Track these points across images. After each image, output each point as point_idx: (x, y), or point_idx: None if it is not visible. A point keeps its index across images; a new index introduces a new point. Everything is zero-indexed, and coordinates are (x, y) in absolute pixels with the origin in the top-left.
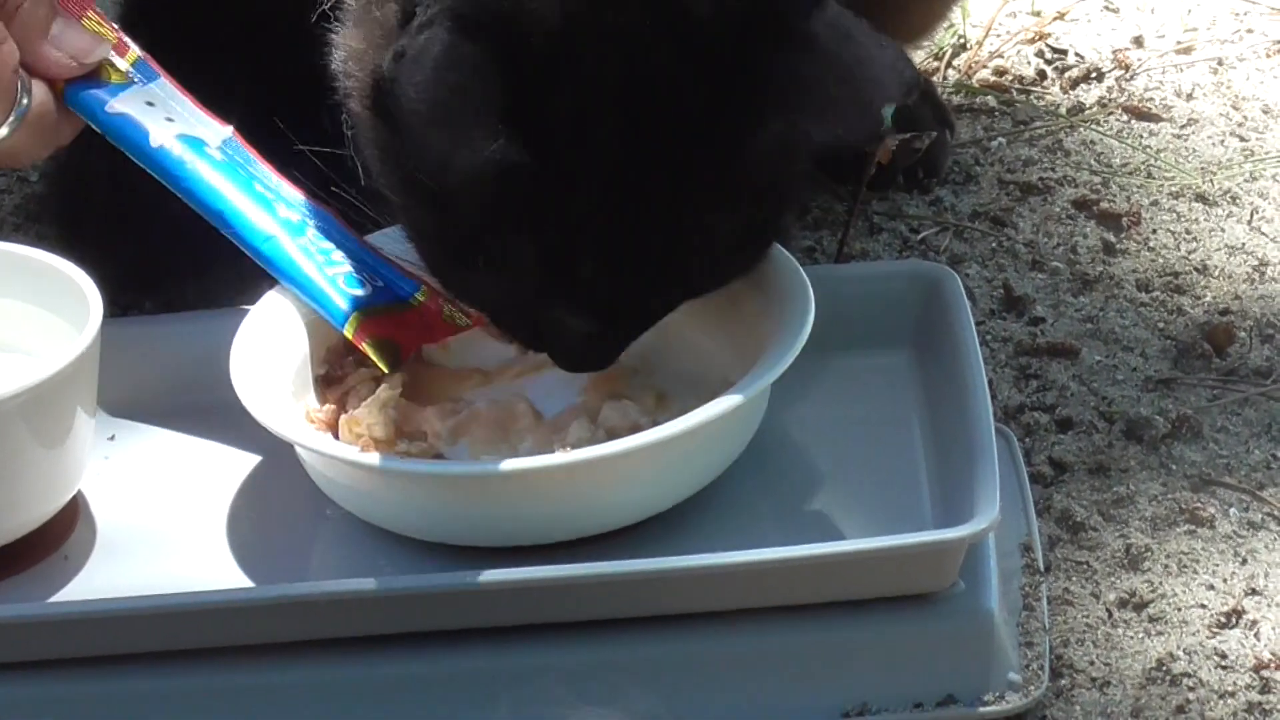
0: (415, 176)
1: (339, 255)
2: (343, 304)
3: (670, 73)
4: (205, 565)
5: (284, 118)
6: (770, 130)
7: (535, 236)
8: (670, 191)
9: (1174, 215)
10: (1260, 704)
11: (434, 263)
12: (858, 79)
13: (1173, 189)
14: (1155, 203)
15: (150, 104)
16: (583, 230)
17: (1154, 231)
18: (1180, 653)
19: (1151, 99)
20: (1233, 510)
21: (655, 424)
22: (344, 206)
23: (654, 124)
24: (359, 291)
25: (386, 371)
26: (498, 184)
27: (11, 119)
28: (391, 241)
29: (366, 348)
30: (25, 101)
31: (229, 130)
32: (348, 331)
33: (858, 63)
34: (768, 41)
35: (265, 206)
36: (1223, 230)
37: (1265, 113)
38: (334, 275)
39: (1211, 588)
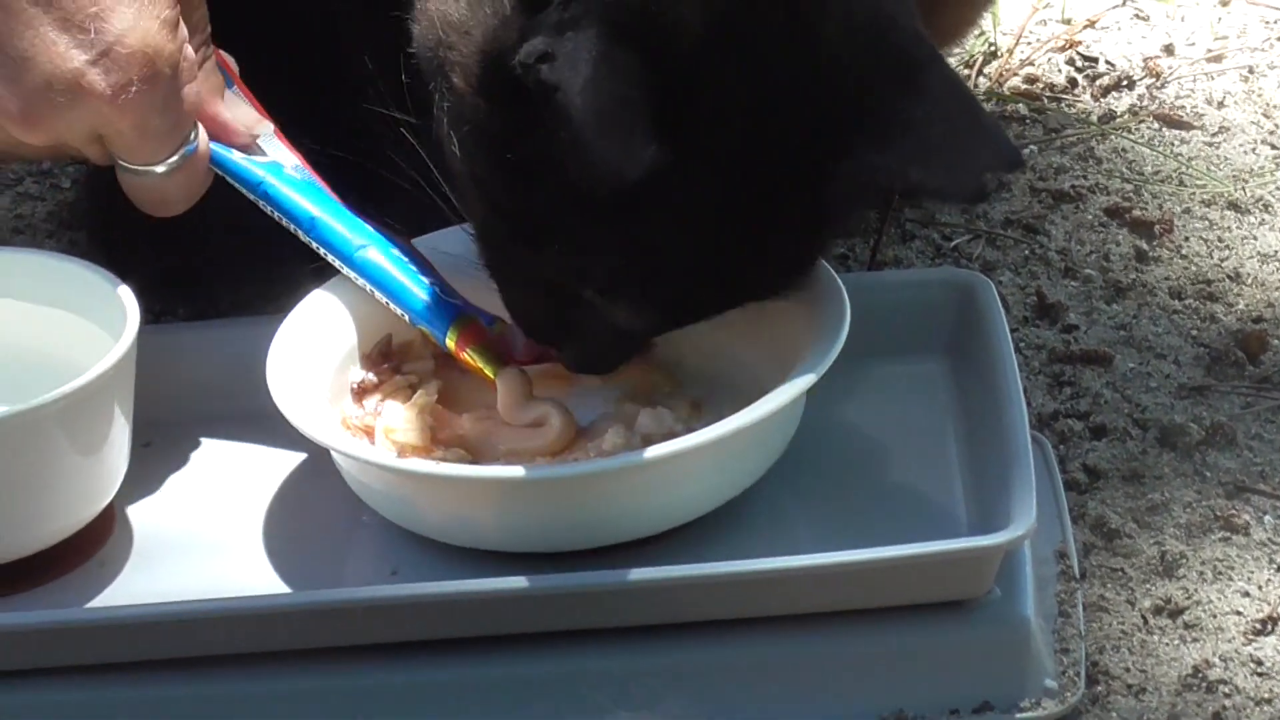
0: (515, 161)
1: (416, 268)
2: (441, 314)
3: (792, 91)
4: (241, 571)
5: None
6: (869, 164)
7: (632, 227)
8: (767, 202)
9: (1206, 223)
10: None
11: (498, 238)
12: (965, 138)
13: (1204, 197)
14: (1187, 210)
15: None
16: (679, 226)
17: (1186, 239)
18: (1216, 659)
19: (1183, 107)
20: (1267, 517)
21: (691, 431)
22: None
23: (768, 138)
24: (453, 301)
25: (493, 377)
26: None
27: (176, 158)
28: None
29: (471, 355)
30: (194, 139)
31: (297, 159)
32: (449, 342)
33: (964, 122)
34: (887, 80)
35: (349, 221)
36: (1255, 238)
37: None
38: (430, 285)
39: (1247, 594)
